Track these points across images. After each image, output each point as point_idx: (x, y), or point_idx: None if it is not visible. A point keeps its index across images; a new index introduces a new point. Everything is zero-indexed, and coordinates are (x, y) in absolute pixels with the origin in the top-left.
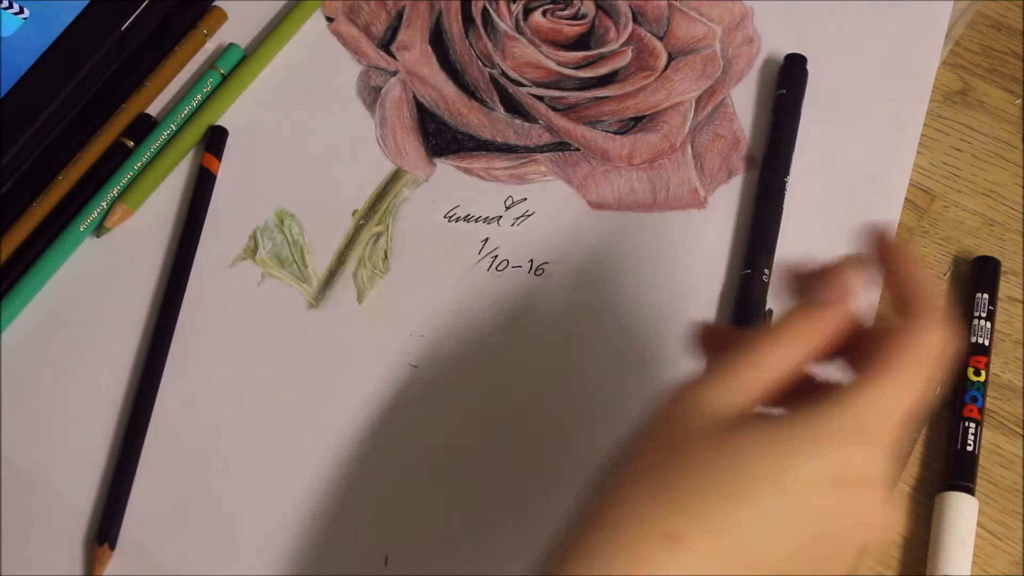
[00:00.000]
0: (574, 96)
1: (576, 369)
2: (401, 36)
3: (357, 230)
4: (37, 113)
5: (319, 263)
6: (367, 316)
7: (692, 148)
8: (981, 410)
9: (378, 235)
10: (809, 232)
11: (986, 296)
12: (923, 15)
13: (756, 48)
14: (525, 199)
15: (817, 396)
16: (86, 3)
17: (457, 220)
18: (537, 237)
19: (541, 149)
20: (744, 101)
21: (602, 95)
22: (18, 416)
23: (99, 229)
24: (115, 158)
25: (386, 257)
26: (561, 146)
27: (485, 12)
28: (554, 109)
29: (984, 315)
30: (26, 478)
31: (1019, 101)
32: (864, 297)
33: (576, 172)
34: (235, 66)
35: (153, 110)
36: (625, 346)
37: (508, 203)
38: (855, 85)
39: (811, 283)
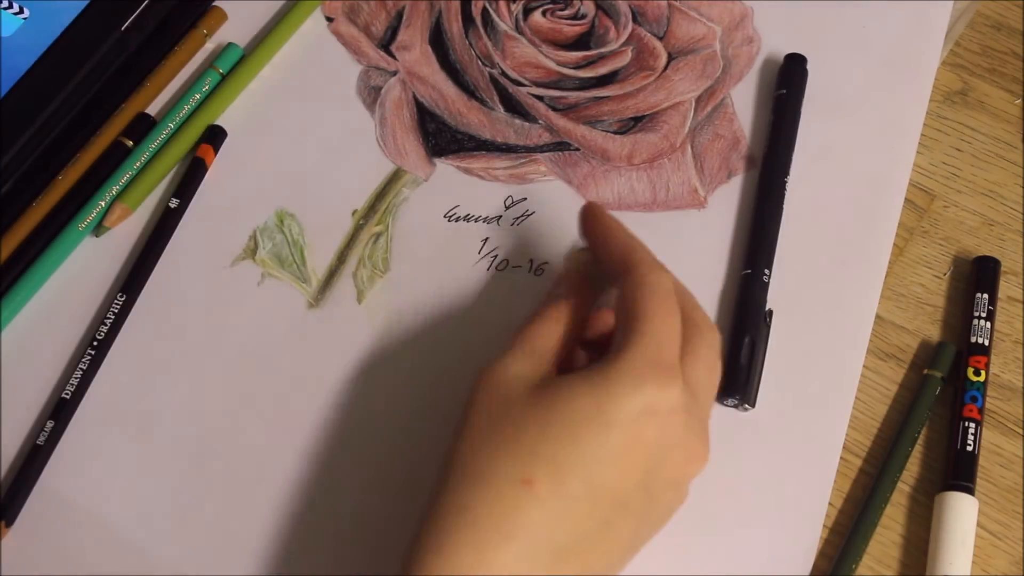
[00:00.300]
0: (574, 96)
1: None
2: (401, 36)
3: (357, 230)
4: (37, 113)
5: (319, 263)
6: (367, 316)
7: (692, 148)
8: (981, 410)
9: (378, 235)
10: (809, 232)
11: (986, 296)
12: (923, 15)
13: (756, 48)
14: (525, 199)
15: (609, 351)
16: (86, 3)
17: (457, 220)
18: (537, 237)
19: (541, 149)
20: (744, 101)
21: (602, 95)
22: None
23: (98, 228)
24: (114, 158)
25: (386, 257)
26: (561, 146)
27: (485, 12)
28: (554, 109)
29: (984, 315)
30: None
31: (1019, 101)
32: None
33: (576, 172)
34: (234, 66)
35: (153, 109)
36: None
37: (508, 203)
38: (855, 85)
39: (560, 279)
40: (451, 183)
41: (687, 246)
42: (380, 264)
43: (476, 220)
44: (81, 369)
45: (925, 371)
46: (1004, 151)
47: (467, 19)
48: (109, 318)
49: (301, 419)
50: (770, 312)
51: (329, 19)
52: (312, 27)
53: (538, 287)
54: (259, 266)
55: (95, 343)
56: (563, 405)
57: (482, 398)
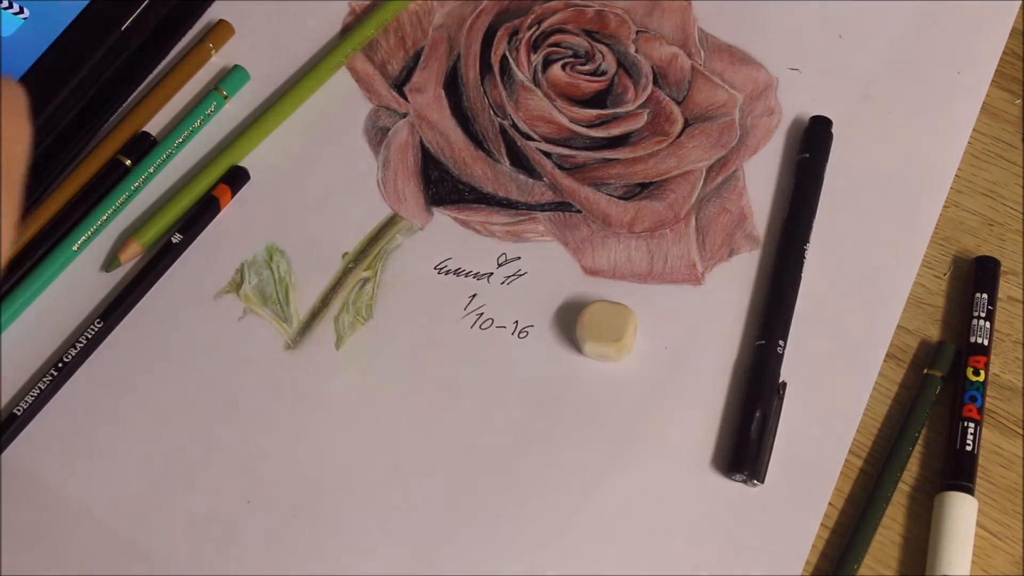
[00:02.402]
0: (583, 156)
1: (547, 434)
2: (416, 78)
3: (345, 273)
4: (36, 114)
5: (302, 304)
6: (343, 362)
7: (696, 220)
8: (980, 410)
9: (365, 280)
10: (820, 304)
11: (986, 296)
12: (951, 114)
13: (776, 121)
14: (519, 258)
15: None
16: (86, 3)
17: (447, 273)
18: (525, 298)
19: (542, 207)
20: (756, 175)
21: (611, 157)
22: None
23: (111, 262)
24: (111, 176)
25: (370, 304)
26: (562, 206)
27: (504, 60)
28: (560, 167)
29: (984, 315)
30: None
31: (1019, 101)
32: None
33: (574, 235)
34: (267, 106)
35: (154, 126)
36: (593, 418)
37: (501, 260)
38: (875, 165)
39: None
40: (446, 234)
41: (675, 323)
42: (363, 311)
43: (466, 275)
44: (39, 388)
45: (925, 371)
46: (1004, 151)
47: (485, 66)
48: (80, 342)
49: (263, 462)
50: (783, 384)
51: None
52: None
53: (520, 350)
54: (242, 301)
55: (60, 364)
56: None
57: None
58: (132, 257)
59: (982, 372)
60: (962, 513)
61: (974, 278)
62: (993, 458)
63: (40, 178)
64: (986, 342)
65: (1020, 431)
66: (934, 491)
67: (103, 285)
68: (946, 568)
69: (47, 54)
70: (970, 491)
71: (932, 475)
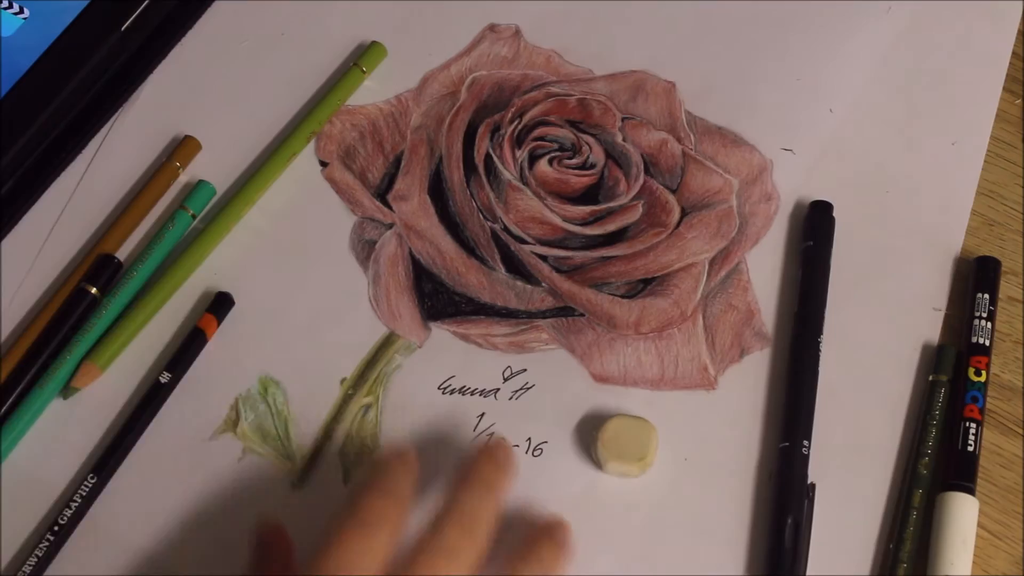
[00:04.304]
0: (580, 256)
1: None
2: (398, 184)
3: (345, 400)
4: (37, 113)
5: (304, 437)
6: None
7: (704, 319)
8: (981, 410)
9: (367, 407)
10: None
11: (986, 296)
12: (953, 192)
13: (775, 207)
14: (525, 370)
15: None
16: (86, 3)
17: (452, 392)
18: (536, 412)
19: (543, 314)
20: (760, 266)
21: (610, 255)
22: None
23: (67, 390)
24: (78, 306)
25: (375, 432)
26: (564, 311)
27: (488, 159)
28: (558, 271)
29: (984, 315)
30: None
31: (1019, 101)
32: None
33: (580, 340)
34: (215, 212)
35: (122, 251)
36: (616, 536)
37: (507, 374)
38: (877, 250)
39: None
40: (447, 351)
41: (695, 433)
42: (369, 440)
43: (472, 392)
44: (36, 556)
45: (930, 377)
46: (1004, 151)
47: (469, 166)
48: (75, 501)
49: None
50: (812, 486)
51: (324, 164)
52: (305, 173)
53: (535, 469)
54: (240, 440)
55: (56, 527)
56: None
57: None
58: (90, 381)
59: (983, 372)
60: (963, 513)
61: (974, 278)
62: (994, 458)
63: (39, 178)
64: (987, 342)
65: (1020, 431)
66: (934, 491)
67: (87, 434)
68: (946, 568)
69: (47, 54)
70: (971, 491)
71: (932, 475)
